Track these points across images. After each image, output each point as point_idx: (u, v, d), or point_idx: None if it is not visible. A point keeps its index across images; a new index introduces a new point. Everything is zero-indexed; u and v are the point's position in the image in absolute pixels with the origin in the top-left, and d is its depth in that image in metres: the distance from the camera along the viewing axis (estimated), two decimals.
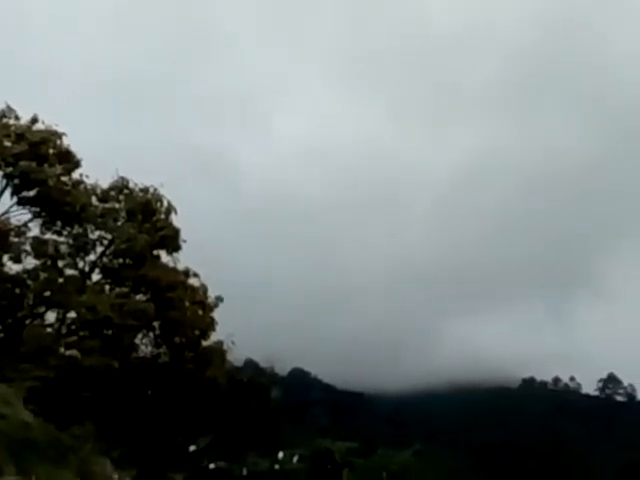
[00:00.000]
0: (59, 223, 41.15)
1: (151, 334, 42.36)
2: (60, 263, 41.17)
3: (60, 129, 40.74)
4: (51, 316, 40.83)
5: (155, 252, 42.61)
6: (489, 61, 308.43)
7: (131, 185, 42.86)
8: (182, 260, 43.11)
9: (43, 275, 40.20)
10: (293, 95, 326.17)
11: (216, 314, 43.54)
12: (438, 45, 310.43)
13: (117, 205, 42.55)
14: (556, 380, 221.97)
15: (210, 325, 43.12)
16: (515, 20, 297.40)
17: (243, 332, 48.16)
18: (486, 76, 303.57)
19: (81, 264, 41.76)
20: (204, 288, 43.29)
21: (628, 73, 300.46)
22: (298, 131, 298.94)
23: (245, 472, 54.92)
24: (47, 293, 39.98)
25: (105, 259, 42.05)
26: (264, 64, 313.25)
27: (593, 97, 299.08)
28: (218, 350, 43.71)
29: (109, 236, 41.79)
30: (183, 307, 42.12)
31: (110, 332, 39.38)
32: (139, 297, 41.39)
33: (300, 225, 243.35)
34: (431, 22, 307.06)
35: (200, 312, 42.82)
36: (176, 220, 42.78)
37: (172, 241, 42.46)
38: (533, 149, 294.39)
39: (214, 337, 43.53)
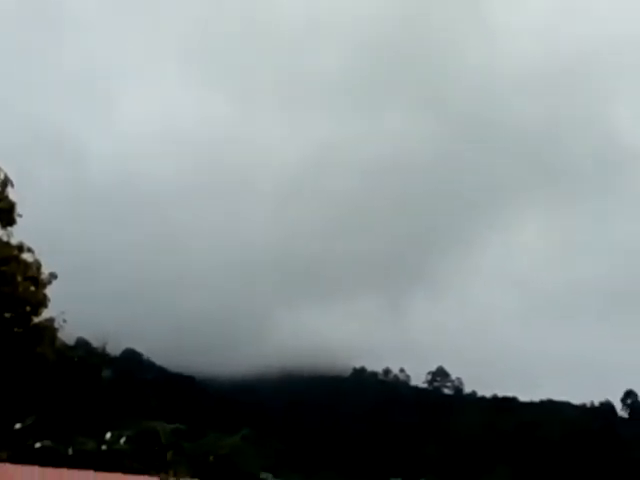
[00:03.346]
0: None
1: None
2: None
3: None
4: None
5: None
6: (341, 51, 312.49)
7: None
8: (16, 235, 42.34)
9: None
10: (141, 78, 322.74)
11: (49, 291, 42.96)
12: (288, 32, 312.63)
13: None
14: (386, 371, 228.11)
15: (42, 301, 42.49)
16: (369, 11, 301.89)
17: (78, 311, 47.71)
18: (337, 66, 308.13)
19: None
20: (38, 264, 42.54)
21: (475, 78, 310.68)
22: (144, 113, 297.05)
23: (71, 452, 54.35)
24: None
25: None
26: (111, 46, 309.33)
27: (440, 96, 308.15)
28: (49, 327, 43.12)
29: None
30: (15, 282, 41.35)
31: None
32: None
33: (144, 206, 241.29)
34: (281, 8, 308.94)
35: (32, 288, 42.12)
36: (12, 193, 41.97)
37: (6, 214, 41.58)
38: (381, 143, 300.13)
39: (46, 314, 42.96)
